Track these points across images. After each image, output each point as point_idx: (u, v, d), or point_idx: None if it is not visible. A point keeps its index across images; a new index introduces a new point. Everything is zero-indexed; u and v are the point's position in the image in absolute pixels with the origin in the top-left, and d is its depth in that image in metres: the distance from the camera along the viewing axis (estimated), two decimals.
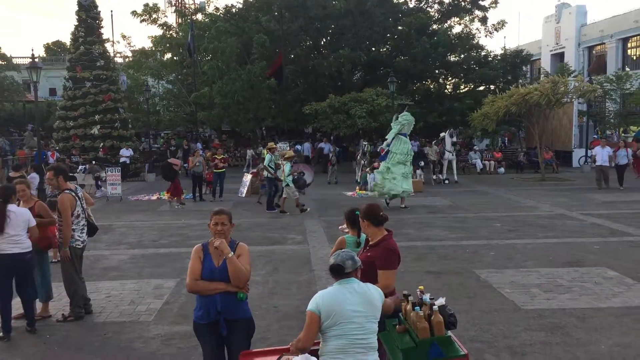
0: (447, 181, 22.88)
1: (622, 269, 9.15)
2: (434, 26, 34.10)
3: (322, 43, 37.09)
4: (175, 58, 36.51)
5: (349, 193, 19.44)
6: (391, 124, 16.82)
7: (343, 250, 3.84)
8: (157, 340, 6.55)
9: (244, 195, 19.72)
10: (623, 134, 33.12)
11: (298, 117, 33.19)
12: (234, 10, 36.49)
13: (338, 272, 3.68)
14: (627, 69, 41.19)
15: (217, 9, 36.40)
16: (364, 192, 19.93)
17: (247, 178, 20.29)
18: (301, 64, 34.81)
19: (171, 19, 38.22)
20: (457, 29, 34.67)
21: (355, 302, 3.59)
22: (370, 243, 4.62)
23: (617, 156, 19.84)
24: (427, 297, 4.07)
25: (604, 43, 50.07)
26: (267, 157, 16.48)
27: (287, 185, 15.81)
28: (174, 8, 36.92)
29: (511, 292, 8.03)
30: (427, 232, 12.66)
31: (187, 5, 37.77)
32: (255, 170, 20.57)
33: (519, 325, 6.77)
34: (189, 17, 36.12)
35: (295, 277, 9.12)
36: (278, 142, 22.73)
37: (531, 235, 12.04)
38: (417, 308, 3.95)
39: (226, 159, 20.39)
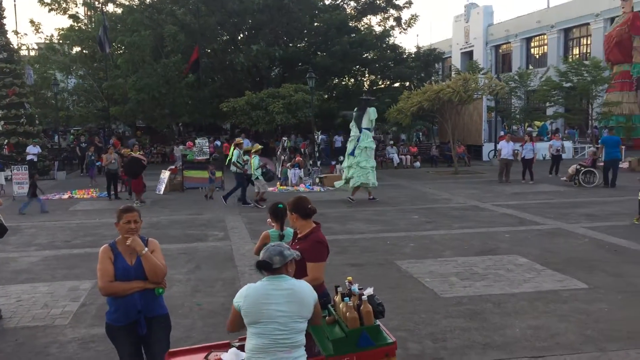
0: None
1: (531, 255, 9.66)
2: (351, 24, 34.58)
3: (239, 38, 36.76)
4: (85, 52, 35.01)
5: (270, 188, 19.38)
6: (354, 119, 16.98)
7: (274, 243, 3.68)
8: (74, 344, 6.27)
9: (162, 192, 19.25)
10: (528, 129, 34.93)
11: (216, 113, 32.74)
12: (147, 1, 35.39)
13: (265, 268, 3.51)
14: (531, 67, 43.53)
15: None
16: (284, 187, 19.94)
17: (165, 175, 19.81)
18: (218, 58, 34.34)
19: (81, 10, 36.47)
20: (374, 27, 35.36)
21: (280, 301, 3.41)
22: (299, 236, 4.61)
23: (524, 150, 20.82)
24: (355, 287, 4.13)
25: (510, 42, 52.68)
26: (235, 152, 16.45)
27: (257, 178, 16.00)
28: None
29: (431, 281, 8.30)
30: (349, 225, 12.84)
31: None
32: (174, 167, 20.12)
33: (440, 312, 7.00)
34: (99, 9, 34.67)
35: (218, 274, 8.99)
36: (196, 139, 22.29)
37: (447, 226, 12.49)
38: (347, 299, 3.99)
39: (143, 155, 19.76)
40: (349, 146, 16.99)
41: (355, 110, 17.49)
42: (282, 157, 22.12)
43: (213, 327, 6.68)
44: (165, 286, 4.41)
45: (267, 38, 32.64)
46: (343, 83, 34.65)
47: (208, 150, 21.19)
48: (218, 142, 27.97)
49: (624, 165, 22.76)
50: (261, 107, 27.13)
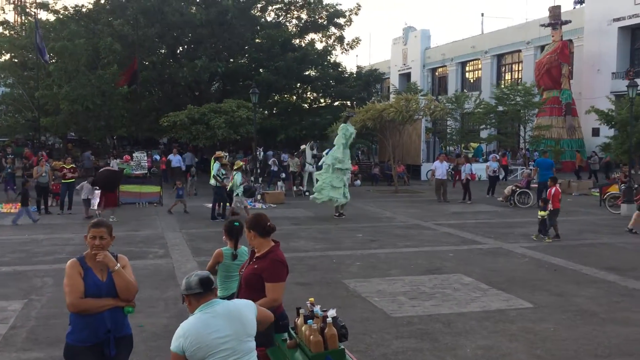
0: (307, 193, 23.18)
1: (475, 274, 9.77)
2: (294, 41, 34.68)
3: (179, 51, 36.16)
4: (15, 60, 33.50)
5: (209, 205, 18.92)
6: (338, 134, 17.01)
7: (193, 273, 3.44)
8: None
9: (96, 207, 18.42)
10: (465, 150, 35.92)
11: (153, 127, 31.96)
12: (84, 10, 34.30)
13: (207, 286, 3.33)
14: (465, 90, 44.97)
15: (65, 7, 33.94)
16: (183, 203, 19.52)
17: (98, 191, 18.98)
18: (157, 71, 33.62)
19: (10, 17, 34.98)
20: (317, 45, 35.60)
21: (221, 328, 3.25)
22: (257, 255, 4.41)
23: (461, 171, 21.33)
24: (318, 309, 3.96)
25: (446, 66, 54.33)
26: (216, 165, 16.34)
27: (237, 195, 15.99)
28: (12, 6, 33.71)
29: (380, 301, 8.22)
30: (293, 243, 12.65)
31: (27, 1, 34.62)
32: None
33: (391, 333, 6.92)
34: (31, 16, 33.29)
35: (160, 293, 8.61)
36: (134, 153, 21.58)
37: (392, 245, 12.52)
38: (310, 321, 3.82)
39: (75, 169, 18.95)
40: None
41: (341, 125, 17.61)
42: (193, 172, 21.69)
43: (157, 351, 6.36)
44: (135, 305, 4.15)
45: (208, 52, 32.23)
46: (286, 99, 34.60)
47: (146, 164, 20.54)
48: (157, 157, 27.04)
49: None
50: (202, 122, 26.66)
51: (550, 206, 13.12)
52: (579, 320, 7.40)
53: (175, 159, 27.24)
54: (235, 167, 16.55)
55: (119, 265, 4.02)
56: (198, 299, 3.31)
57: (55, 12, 33.66)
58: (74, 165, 18.72)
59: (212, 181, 16.42)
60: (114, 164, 19.99)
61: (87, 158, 29.75)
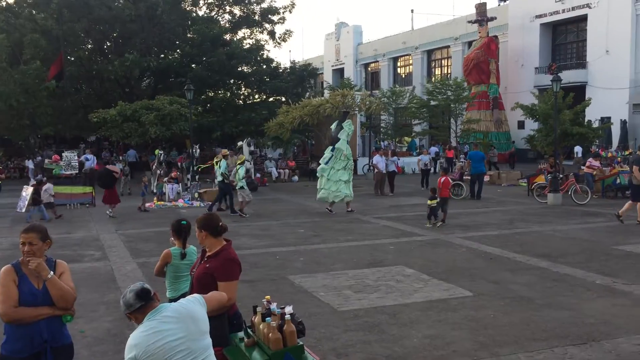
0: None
1: (417, 266, 10.00)
2: (226, 36, 34.29)
3: (107, 46, 35.03)
4: None
5: (147, 204, 18.51)
6: (333, 132, 17.17)
7: (126, 290, 3.28)
8: None
9: (23, 210, 17.63)
10: (398, 144, 36.64)
11: (81, 125, 30.84)
12: (3, 4, 32.64)
13: (146, 299, 3.20)
14: (397, 86, 45.85)
15: None
16: (162, 203, 19.14)
17: (28, 191, 18.16)
18: (84, 67, 32.44)
19: None
20: (248, 41, 35.33)
21: (173, 331, 3.16)
22: (209, 254, 4.35)
23: (388, 164, 21.83)
24: (274, 306, 3.96)
25: (378, 61, 55.16)
26: (223, 163, 16.91)
27: (242, 187, 16.27)
28: None
29: (325, 295, 8.29)
30: (236, 241, 12.32)
31: None
32: (34, 182, 18.50)
33: (339, 326, 6.99)
34: None
35: (100, 297, 8.35)
36: (63, 152, 20.76)
37: (334, 240, 12.62)
38: (268, 319, 3.81)
39: (1, 170, 18.07)
40: (323, 159, 17.16)
41: (335, 123, 17.69)
42: (158, 172, 21.25)
43: (101, 355, 6.19)
44: (74, 313, 3.99)
45: (138, 48, 31.38)
46: (220, 96, 34.16)
47: (77, 164, 19.80)
48: (87, 156, 25.39)
49: (485, 178, 24.51)
50: (134, 119, 25.94)
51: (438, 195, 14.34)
52: (516, 306, 7.71)
53: (89, 161, 24.19)
54: (238, 162, 17.06)
55: (52, 273, 3.84)
56: (142, 311, 3.20)
57: None
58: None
59: (220, 177, 16.98)
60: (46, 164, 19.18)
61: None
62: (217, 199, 17.41)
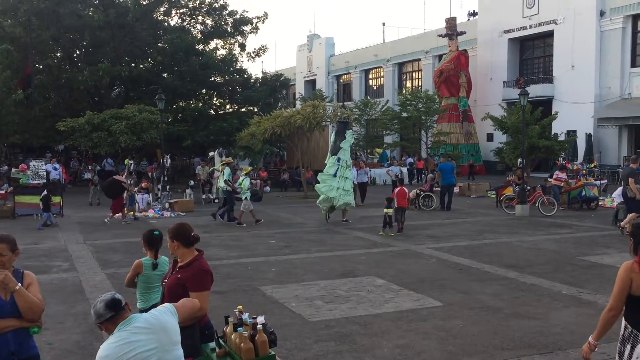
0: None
1: (388, 276, 10.08)
2: (199, 47, 34.20)
3: (77, 55, 34.62)
4: None
5: (117, 215, 18.28)
6: (346, 138, 17.25)
7: (97, 300, 3.22)
8: None
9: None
10: (370, 156, 36.89)
11: (49, 134, 30.34)
12: None
13: (116, 309, 3.15)
14: (369, 97, 46.25)
15: None
16: (132, 213, 18.89)
17: None
18: (53, 75, 31.97)
19: None
20: (220, 52, 35.29)
21: (145, 342, 3.12)
22: (181, 264, 4.34)
23: (358, 175, 22.01)
24: (246, 316, 3.98)
25: (350, 73, 55.58)
26: (227, 171, 17.25)
27: (246, 198, 16.48)
28: None
29: (297, 306, 8.30)
30: (207, 251, 12.33)
31: None
32: (3, 191, 18.19)
33: (310, 337, 7.01)
34: None
35: (68, 308, 8.23)
36: (31, 162, 20.37)
37: (306, 250, 12.65)
38: (240, 329, 3.83)
39: None
40: (330, 169, 16.94)
41: (334, 133, 17.79)
42: (129, 181, 20.98)
43: None
44: (41, 325, 3.95)
45: (109, 56, 31.08)
46: (192, 106, 34.00)
47: (44, 173, 19.46)
48: (49, 167, 23.15)
49: (455, 189, 24.84)
50: (103, 128, 25.64)
51: (395, 204, 14.77)
52: (485, 315, 7.84)
53: (54, 171, 22.27)
54: (243, 172, 17.50)
55: (19, 285, 3.79)
56: (113, 322, 3.15)
57: None
58: None
59: (223, 185, 17.27)
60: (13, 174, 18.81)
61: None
62: (226, 208, 17.38)
